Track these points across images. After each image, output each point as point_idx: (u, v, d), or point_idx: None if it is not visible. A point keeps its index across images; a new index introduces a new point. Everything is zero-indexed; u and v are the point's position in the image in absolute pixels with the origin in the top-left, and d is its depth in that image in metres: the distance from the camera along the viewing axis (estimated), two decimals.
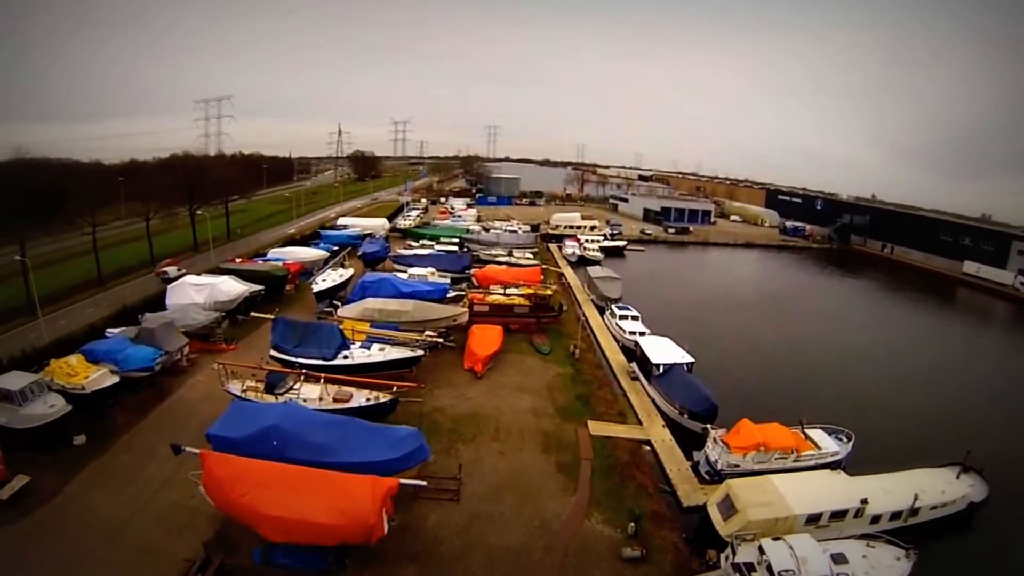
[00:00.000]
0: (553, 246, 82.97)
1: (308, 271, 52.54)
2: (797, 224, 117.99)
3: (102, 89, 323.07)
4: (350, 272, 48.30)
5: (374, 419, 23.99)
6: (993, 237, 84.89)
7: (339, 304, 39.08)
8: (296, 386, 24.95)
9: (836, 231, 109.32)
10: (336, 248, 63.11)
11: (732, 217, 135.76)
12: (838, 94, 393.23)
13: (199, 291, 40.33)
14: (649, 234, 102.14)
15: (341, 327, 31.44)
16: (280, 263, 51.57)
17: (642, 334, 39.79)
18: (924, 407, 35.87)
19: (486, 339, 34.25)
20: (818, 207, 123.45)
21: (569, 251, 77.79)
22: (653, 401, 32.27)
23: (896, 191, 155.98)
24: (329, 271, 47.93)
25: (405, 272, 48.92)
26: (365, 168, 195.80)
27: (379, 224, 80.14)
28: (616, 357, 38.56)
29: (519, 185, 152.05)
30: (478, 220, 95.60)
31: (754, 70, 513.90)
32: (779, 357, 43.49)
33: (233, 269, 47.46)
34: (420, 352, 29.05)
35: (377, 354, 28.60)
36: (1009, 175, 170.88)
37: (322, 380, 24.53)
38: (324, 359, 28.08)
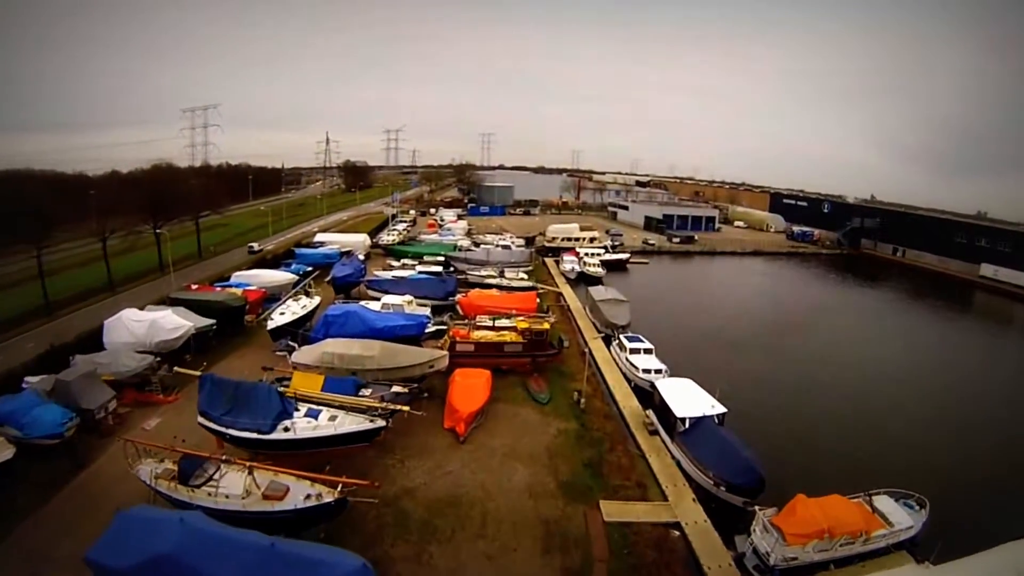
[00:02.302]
0: (550, 261, 76.72)
1: (276, 298, 46.01)
2: (805, 229, 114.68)
3: (90, 99, 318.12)
4: (315, 302, 41.34)
5: (314, 523, 18.01)
6: (1010, 238, 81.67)
7: (295, 346, 32.49)
8: (216, 475, 18.78)
9: (845, 235, 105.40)
10: (310, 269, 57.03)
11: (736, 223, 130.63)
12: (833, 94, 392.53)
13: (138, 328, 34.27)
14: (652, 244, 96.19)
15: (287, 383, 25.25)
16: (241, 290, 45.20)
17: (659, 372, 33.71)
18: (988, 449, 30.34)
19: (471, 389, 28.01)
20: (825, 210, 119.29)
21: (568, 267, 70.85)
22: (678, 463, 26.16)
23: (892, 190, 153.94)
24: (290, 301, 40.96)
25: (379, 300, 42.12)
26: (355, 178, 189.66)
27: (359, 240, 72.62)
28: (629, 403, 32.16)
29: (513, 193, 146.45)
30: (468, 233, 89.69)
31: (749, 71, 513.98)
32: (815, 393, 37.17)
33: (185, 299, 41.07)
34: (381, 423, 22.68)
35: (326, 424, 21.96)
36: (1004, 173, 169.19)
37: (248, 469, 18.34)
38: (259, 431, 21.69)
